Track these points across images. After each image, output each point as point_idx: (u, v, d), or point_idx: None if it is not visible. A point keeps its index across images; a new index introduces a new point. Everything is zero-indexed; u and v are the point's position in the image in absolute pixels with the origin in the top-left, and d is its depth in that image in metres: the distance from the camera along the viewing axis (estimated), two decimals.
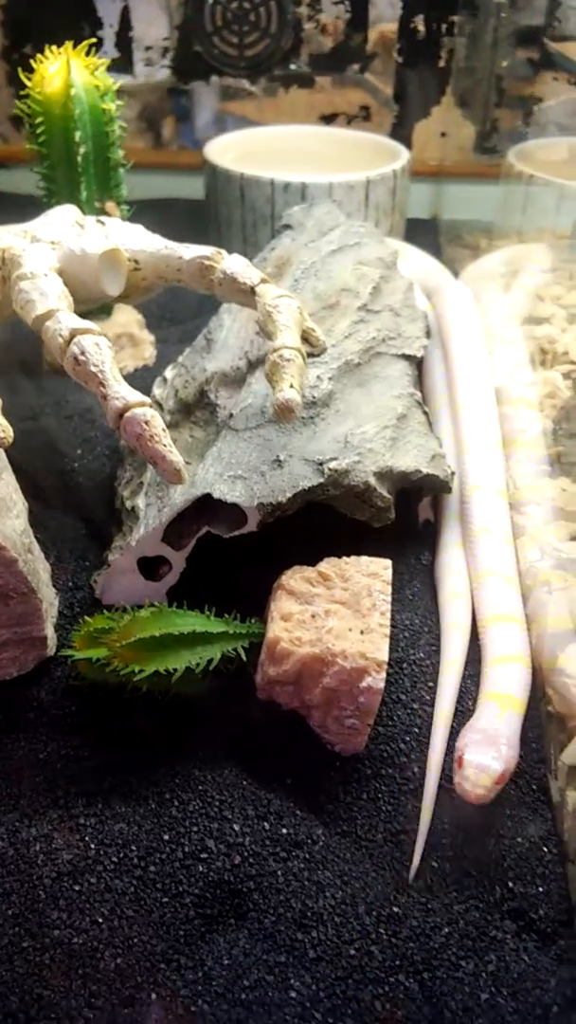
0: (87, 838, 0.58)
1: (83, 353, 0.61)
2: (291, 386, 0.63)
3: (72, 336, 0.61)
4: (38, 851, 0.57)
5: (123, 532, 0.75)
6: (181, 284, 0.76)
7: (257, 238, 1.22)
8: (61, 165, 0.91)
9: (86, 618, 0.67)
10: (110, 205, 0.94)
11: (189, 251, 0.74)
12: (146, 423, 0.59)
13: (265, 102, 1.46)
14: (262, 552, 0.76)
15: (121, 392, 0.60)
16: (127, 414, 0.59)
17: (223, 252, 0.74)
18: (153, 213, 1.12)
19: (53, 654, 0.68)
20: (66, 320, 0.62)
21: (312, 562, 0.69)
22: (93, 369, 0.60)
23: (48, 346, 0.63)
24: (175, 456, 0.59)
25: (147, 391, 1.00)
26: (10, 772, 0.62)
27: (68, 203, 0.88)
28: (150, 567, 0.72)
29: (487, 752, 0.58)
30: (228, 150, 1.29)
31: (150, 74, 1.43)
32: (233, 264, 0.72)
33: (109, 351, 0.61)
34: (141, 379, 1.03)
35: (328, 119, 1.46)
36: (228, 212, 1.23)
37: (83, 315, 1.05)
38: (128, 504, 0.76)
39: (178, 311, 1.21)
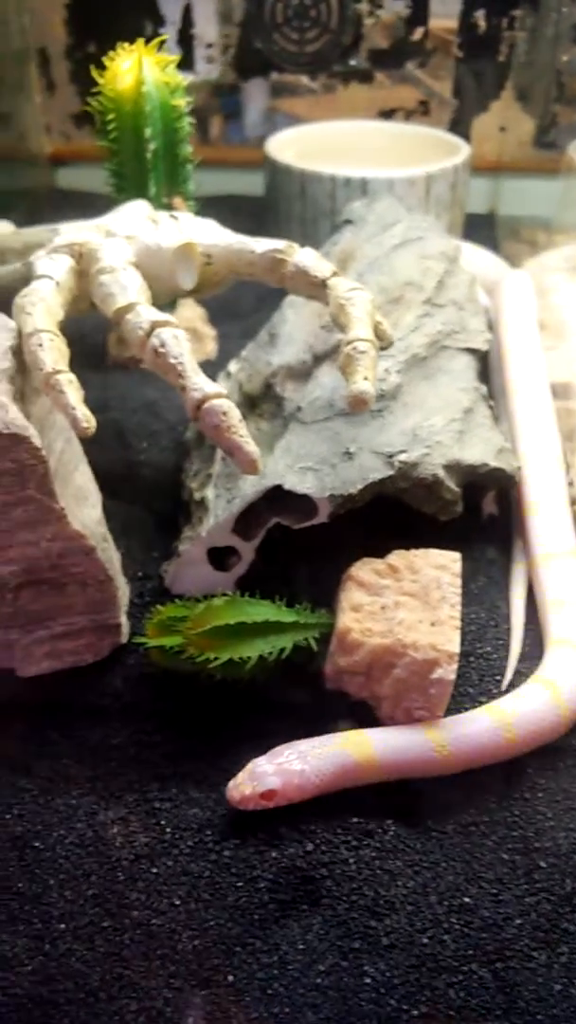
0: (163, 822, 0.59)
1: (163, 345, 0.62)
2: (365, 378, 0.63)
3: (152, 329, 0.62)
4: (116, 833, 0.58)
5: (192, 523, 0.76)
6: (252, 278, 0.76)
7: (316, 233, 1.23)
8: (131, 161, 0.93)
9: (158, 607, 0.68)
10: (177, 201, 0.95)
11: (261, 245, 0.74)
12: (224, 414, 0.60)
13: (317, 99, 1.46)
14: (328, 544, 0.76)
15: (200, 384, 0.61)
16: (205, 405, 0.60)
17: (295, 245, 0.74)
18: (211, 209, 1.13)
19: (126, 642, 0.70)
20: (146, 313, 0.63)
21: (377, 555, 0.69)
22: (172, 361, 0.61)
23: (127, 339, 0.64)
24: (252, 447, 0.60)
25: None
26: (85, 756, 0.64)
27: (137, 199, 0.89)
28: (219, 558, 0.73)
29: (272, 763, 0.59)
30: (288, 146, 1.30)
31: (209, 71, 1.44)
32: (305, 257, 0.73)
33: (187, 344, 0.62)
34: (203, 373, 1.03)
35: (387, 115, 1.46)
36: (288, 207, 1.24)
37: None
38: (197, 495, 0.77)
39: (238, 307, 1.22)
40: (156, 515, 0.85)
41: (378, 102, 1.46)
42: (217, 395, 0.60)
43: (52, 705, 0.67)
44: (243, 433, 0.60)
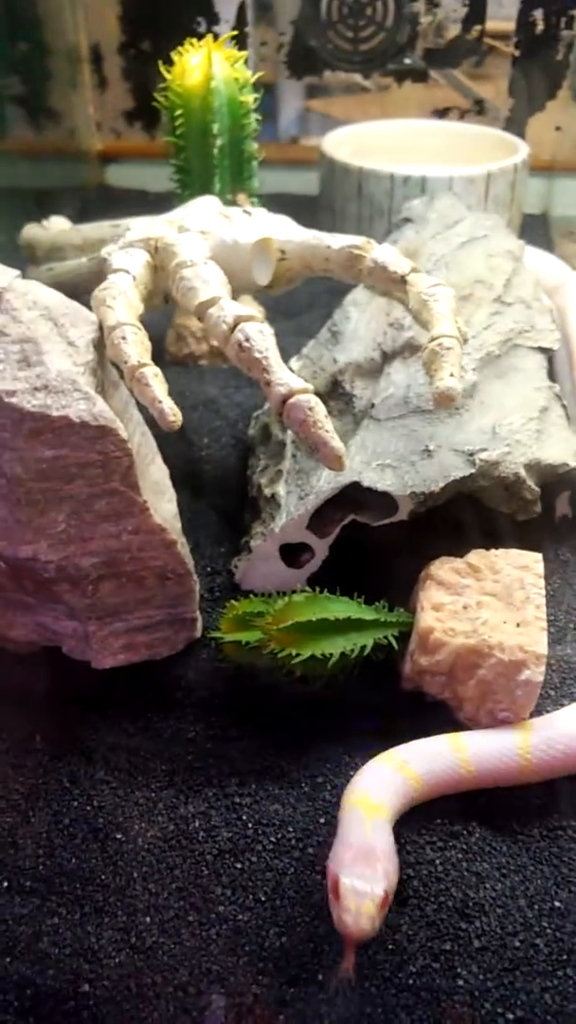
0: (244, 817, 0.59)
1: (247, 340, 0.61)
2: (451, 375, 0.62)
3: (236, 323, 0.62)
4: (198, 827, 0.58)
5: (262, 519, 0.75)
6: (327, 274, 0.76)
7: (373, 232, 1.22)
8: (197, 157, 0.93)
9: (232, 602, 0.67)
10: (242, 198, 0.95)
11: (337, 241, 0.74)
12: (310, 409, 0.59)
13: (352, 100, 1.46)
14: (399, 544, 0.76)
15: (285, 379, 0.60)
16: (291, 400, 0.60)
17: (372, 241, 0.74)
18: (267, 207, 1.13)
19: (200, 636, 0.69)
20: (230, 308, 0.63)
21: (451, 555, 0.69)
22: (257, 356, 0.61)
23: (211, 333, 0.64)
24: (337, 443, 0.60)
25: None
26: (162, 749, 0.64)
27: (201, 195, 0.89)
28: (290, 554, 0.73)
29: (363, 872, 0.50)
30: (343, 144, 1.29)
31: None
32: (383, 253, 0.72)
33: (272, 338, 0.62)
34: None
35: (440, 114, 1.45)
36: (343, 205, 1.23)
37: None
38: (267, 491, 0.77)
39: (291, 305, 1.22)
40: (221, 511, 0.85)
41: (427, 102, 1.46)
42: (303, 390, 0.60)
43: (127, 698, 0.66)
44: (329, 428, 0.60)
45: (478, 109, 1.44)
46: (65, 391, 0.57)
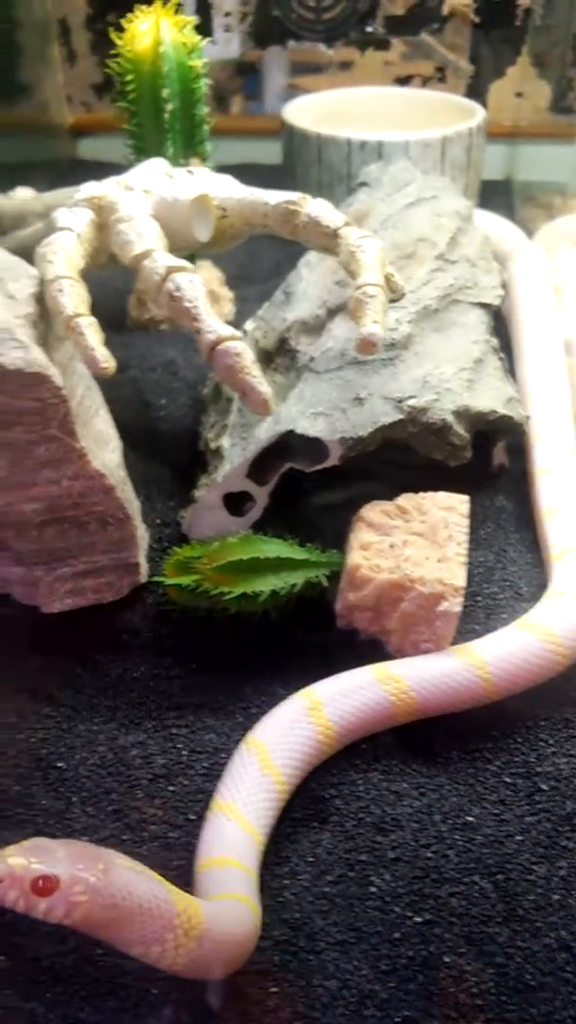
0: (179, 745, 0.62)
1: (178, 289, 0.64)
2: (374, 321, 0.65)
3: (168, 273, 0.64)
4: (135, 756, 0.61)
5: (208, 471, 0.78)
6: (266, 230, 0.78)
7: (333, 198, 1.22)
8: (149, 122, 0.95)
9: (176, 548, 0.70)
10: (194, 162, 0.97)
11: (274, 197, 0.76)
12: (237, 355, 0.62)
13: (337, 75, 1.47)
14: (339, 491, 0.79)
15: (213, 326, 0.63)
16: (219, 347, 0.62)
17: (307, 197, 0.76)
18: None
19: (145, 581, 0.72)
20: (162, 259, 0.65)
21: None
22: (187, 305, 0.64)
23: (144, 284, 0.66)
24: (264, 387, 0.62)
25: None
26: (106, 688, 0.67)
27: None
28: (235, 503, 0.75)
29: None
30: (305, 112, 1.31)
31: (228, 40, 1.45)
32: (317, 208, 0.75)
33: (202, 288, 0.64)
34: None
35: (403, 82, 1.47)
36: (305, 172, 1.25)
37: None
38: (213, 445, 0.80)
39: (255, 272, 1.24)
40: (175, 468, 0.87)
41: (394, 70, 1.47)
42: (231, 337, 0.62)
43: (74, 641, 0.69)
44: (256, 374, 0.62)
45: (440, 77, 1.46)
46: (2, 340, 0.60)
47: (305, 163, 1.25)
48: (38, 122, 1.50)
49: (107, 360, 0.61)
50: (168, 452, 0.89)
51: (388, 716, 0.61)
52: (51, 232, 0.81)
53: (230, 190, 0.78)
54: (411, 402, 0.71)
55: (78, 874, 0.41)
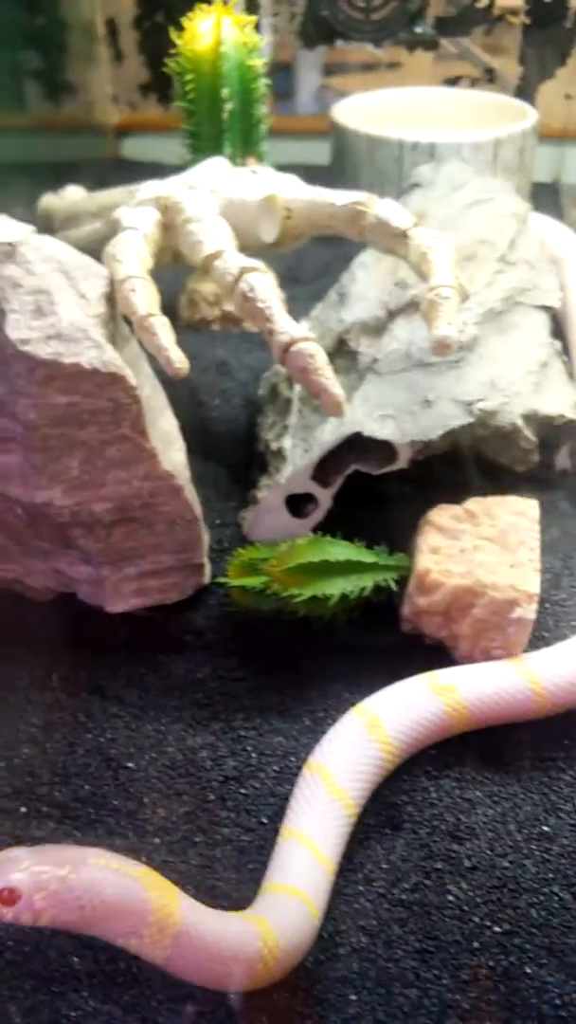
0: (248, 748, 0.62)
1: (251, 290, 0.64)
2: (449, 323, 0.64)
3: (241, 274, 0.64)
4: (205, 757, 0.61)
5: (269, 472, 0.78)
6: (331, 231, 0.78)
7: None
8: (207, 122, 0.95)
9: (239, 549, 0.70)
10: (251, 162, 0.97)
11: (341, 197, 0.76)
12: (311, 356, 0.61)
13: (368, 75, 1.47)
14: (402, 493, 0.78)
15: (287, 327, 0.62)
16: (293, 348, 0.62)
17: (374, 197, 0.76)
18: None
19: (208, 583, 0.72)
20: (234, 259, 0.65)
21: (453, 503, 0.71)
22: (260, 305, 0.63)
23: (216, 284, 0.66)
24: (338, 388, 0.62)
25: None
26: (172, 689, 0.66)
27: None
28: (296, 505, 0.75)
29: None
30: (354, 112, 1.30)
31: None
32: (386, 208, 0.74)
33: (275, 289, 0.64)
34: None
35: (451, 83, 1.46)
36: (355, 173, 1.25)
37: None
38: (273, 446, 0.79)
39: (304, 272, 1.24)
40: (231, 468, 0.87)
41: (440, 75, 1.46)
42: (304, 338, 0.62)
43: (138, 641, 0.69)
44: (329, 375, 0.62)
45: (489, 78, 1.45)
46: (77, 340, 0.60)
47: (355, 163, 1.24)
48: (84, 121, 1.50)
49: (181, 361, 0.61)
50: (223, 453, 0.89)
51: (443, 728, 0.60)
52: (111, 231, 0.81)
53: (296, 190, 0.78)
54: (481, 405, 0.70)
55: (39, 882, 0.43)
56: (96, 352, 0.60)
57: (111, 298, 0.66)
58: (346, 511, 0.75)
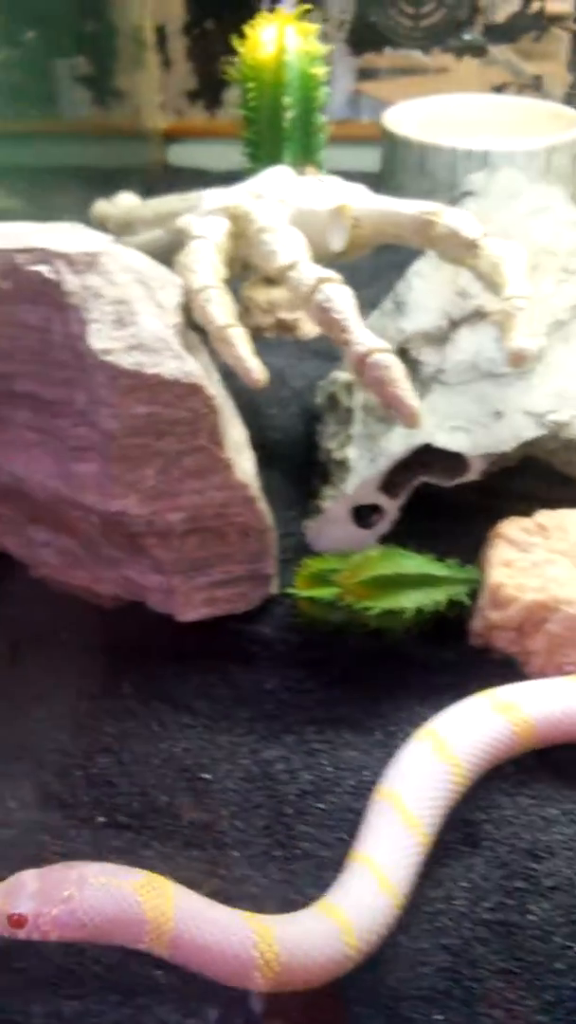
0: (323, 762, 0.61)
1: (328, 301, 0.63)
2: (525, 335, 0.64)
3: (317, 284, 0.64)
4: (280, 770, 0.61)
5: (332, 482, 0.78)
6: (398, 240, 0.78)
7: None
8: (267, 130, 0.95)
9: (306, 560, 0.70)
10: (310, 170, 0.96)
11: (410, 207, 0.75)
12: (387, 367, 0.61)
13: (401, 81, 1.46)
14: (467, 504, 0.78)
15: (363, 338, 0.62)
16: (369, 359, 0.62)
17: (443, 207, 0.75)
18: None
19: (275, 593, 0.72)
20: (311, 269, 0.65)
21: (520, 516, 0.70)
22: (337, 316, 0.63)
23: (292, 295, 0.66)
24: (414, 400, 0.61)
25: (332, 354, 1.03)
26: (242, 699, 0.66)
27: (270, 167, 0.91)
28: (360, 515, 0.75)
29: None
30: (404, 119, 1.30)
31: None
32: (456, 218, 0.74)
33: (352, 299, 0.64)
34: (322, 343, 1.05)
35: (498, 90, 1.45)
36: (405, 180, 1.25)
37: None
38: (336, 455, 0.79)
39: (354, 281, 1.23)
40: (289, 477, 0.87)
41: (481, 82, 1.46)
42: (382, 349, 0.62)
43: (206, 650, 0.69)
44: (406, 387, 0.62)
45: (535, 85, 1.44)
46: (158, 350, 0.60)
47: (407, 171, 1.24)
48: (131, 127, 1.51)
49: (260, 371, 0.61)
50: (282, 461, 0.89)
51: (511, 747, 0.59)
52: (172, 239, 0.81)
53: (364, 200, 0.77)
54: (552, 417, 0.70)
55: (42, 908, 0.46)
56: (177, 363, 0.60)
57: (185, 308, 0.66)
58: (411, 521, 0.75)
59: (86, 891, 0.47)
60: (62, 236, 0.65)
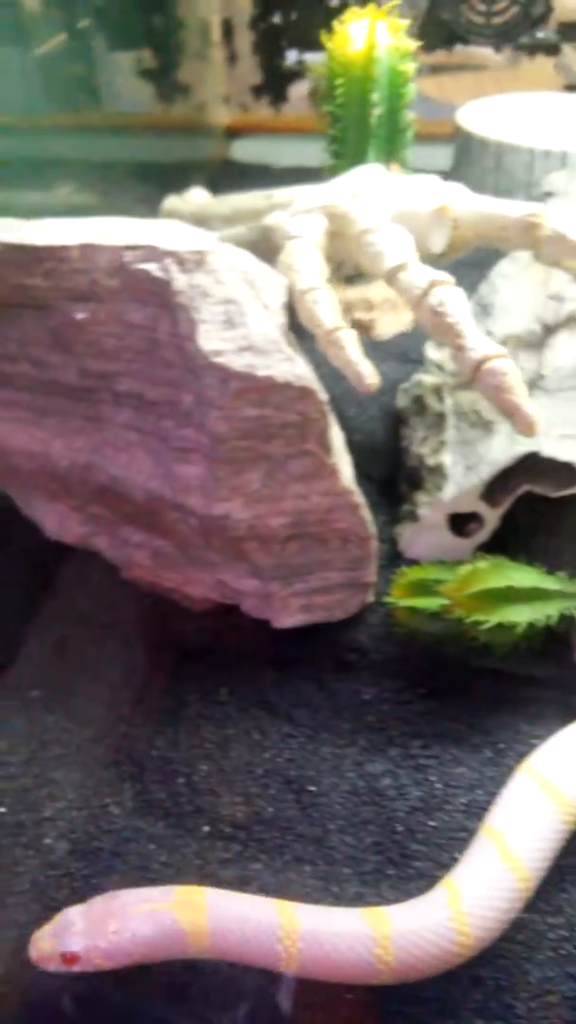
0: (432, 778, 0.60)
1: (441, 304, 0.62)
2: None
3: (430, 287, 0.62)
4: (387, 785, 0.59)
5: (427, 489, 0.76)
6: (499, 242, 0.76)
7: None
8: (353, 127, 0.93)
9: (403, 568, 0.68)
10: (395, 168, 0.95)
11: (514, 209, 0.73)
12: (504, 374, 0.59)
13: (451, 78, 1.44)
14: (567, 514, 0.75)
15: (478, 344, 0.60)
16: (485, 366, 0.60)
17: (547, 209, 0.73)
18: None
19: (372, 601, 0.70)
20: (422, 271, 0.63)
21: None
22: (451, 320, 0.61)
23: (402, 297, 0.64)
24: (532, 408, 0.60)
25: (410, 355, 1.01)
26: (341, 709, 0.65)
27: (354, 165, 0.89)
28: (456, 523, 0.73)
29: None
30: (478, 117, 1.28)
31: None
32: (561, 221, 0.71)
33: (466, 303, 0.62)
34: (399, 344, 1.04)
35: (572, 88, 1.43)
36: (480, 179, 1.22)
37: (351, 278, 1.07)
38: (430, 461, 0.77)
39: None
40: (374, 481, 0.85)
41: (541, 81, 1.43)
42: (499, 355, 0.60)
43: (302, 657, 0.68)
44: (523, 393, 0.60)
45: None
46: (269, 352, 0.58)
47: (482, 170, 1.21)
48: (195, 122, 1.49)
49: (372, 375, 0.59)
50: (366, 465, 0.87)
51: None
52: (259, 237, 0.80)
53: (465, 201, 0.75)
54: None
55: (92, 944, 0.48)
56: (288, 365, 0.59)
57: (290, 308, 0.64)
58: (509, 531, 0.73)
59: (129, 922, 0.49)
60: (166, 233, 0.64)
